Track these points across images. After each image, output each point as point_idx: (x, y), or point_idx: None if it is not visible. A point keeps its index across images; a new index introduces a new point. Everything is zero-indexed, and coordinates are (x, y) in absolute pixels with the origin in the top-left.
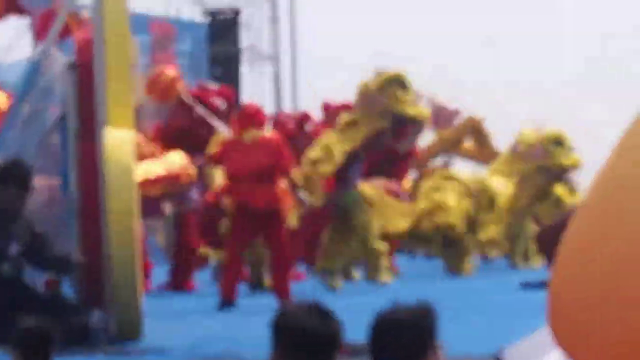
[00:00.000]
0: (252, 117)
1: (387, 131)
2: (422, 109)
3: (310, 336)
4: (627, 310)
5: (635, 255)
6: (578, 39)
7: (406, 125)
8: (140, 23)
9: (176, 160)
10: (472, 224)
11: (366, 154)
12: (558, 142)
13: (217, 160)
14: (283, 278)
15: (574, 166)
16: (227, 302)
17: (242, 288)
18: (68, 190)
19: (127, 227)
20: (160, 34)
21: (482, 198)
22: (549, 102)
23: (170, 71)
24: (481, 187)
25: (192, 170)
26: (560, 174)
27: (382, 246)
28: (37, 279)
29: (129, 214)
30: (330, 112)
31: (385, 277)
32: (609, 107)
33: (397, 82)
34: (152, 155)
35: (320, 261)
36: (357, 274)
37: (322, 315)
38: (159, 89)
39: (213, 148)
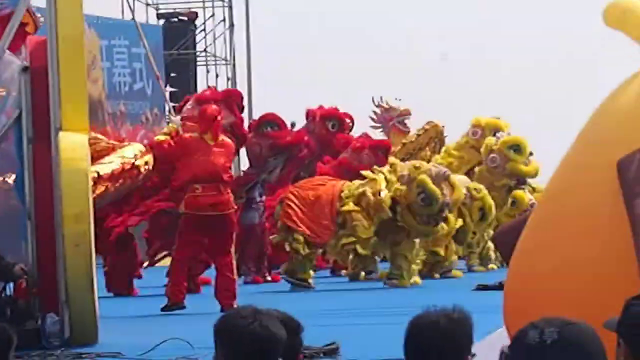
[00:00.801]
0: (214, 120)
1: None
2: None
3: (248, 340)
4: (580, 311)
5: (577, 259)
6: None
7: None
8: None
9: (131, 152)
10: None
11: None
12: (516, 148)
13: (170, 154)
14: (229, 284)
15: (533, 174)
16: (174, 304)
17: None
18: (22, 193)
19: (81, 230)
20: None
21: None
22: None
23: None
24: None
25: (150, 159)
26: (519, 180)
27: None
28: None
29: (83, 217)
30: (315, 118)
31: (409, 280)
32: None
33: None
34: (107, 150)
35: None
36: None
37: (264, 320)
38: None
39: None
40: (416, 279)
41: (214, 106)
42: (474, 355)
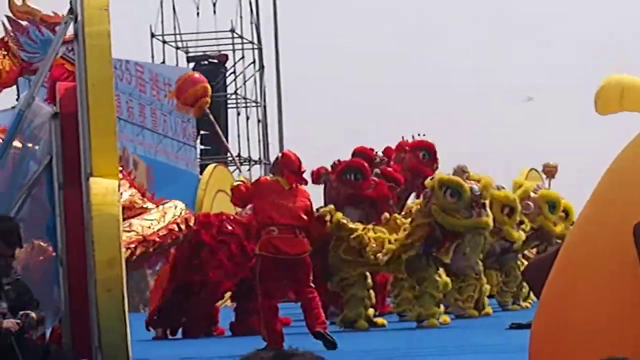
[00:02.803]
0: (296, 166)
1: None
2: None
3: None
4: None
5: (592, 320)
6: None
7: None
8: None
9: (172, 213)
10: None
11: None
12: (552, 204)
13: (246, 195)
14: (316, 313)
15: (562, 235)
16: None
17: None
18: (54, 239)
19: (113, 275)
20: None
21: None
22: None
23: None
24: None
25: (190, 217)
26: (538, 235)
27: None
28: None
29: (115, 262)
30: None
31: (433, 321)
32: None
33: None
34: (139, 211)
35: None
36: None
37: None
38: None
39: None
40: (445, 317)
41: (293, 152)
42: None
